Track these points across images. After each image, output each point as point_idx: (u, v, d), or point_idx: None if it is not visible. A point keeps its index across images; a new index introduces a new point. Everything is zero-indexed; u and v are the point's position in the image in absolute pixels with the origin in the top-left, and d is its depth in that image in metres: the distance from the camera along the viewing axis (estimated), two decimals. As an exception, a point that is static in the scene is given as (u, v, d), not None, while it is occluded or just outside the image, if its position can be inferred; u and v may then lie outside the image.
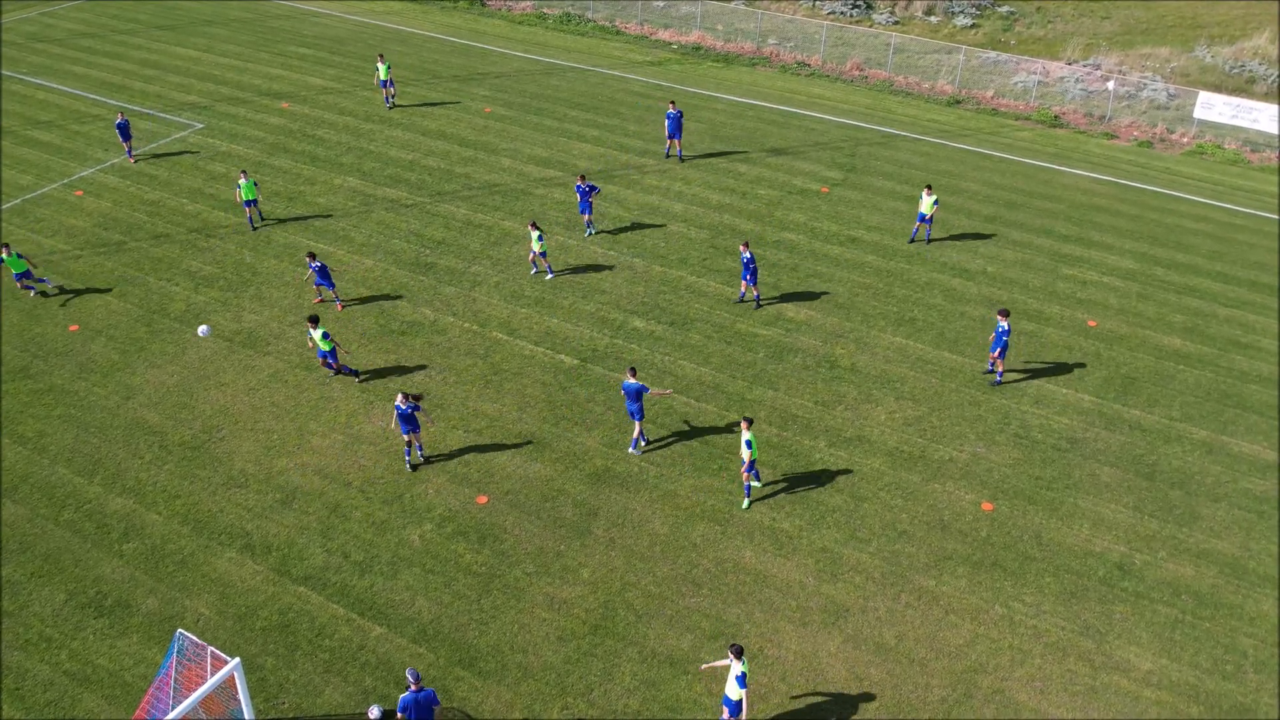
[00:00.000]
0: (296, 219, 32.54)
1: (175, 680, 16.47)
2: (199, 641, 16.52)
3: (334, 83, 42.85)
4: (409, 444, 22.68)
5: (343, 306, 28.22)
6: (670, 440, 23.77)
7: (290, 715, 17.71)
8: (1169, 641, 19.27)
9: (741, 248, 27.58)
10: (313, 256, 27.25)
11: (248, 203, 31.32)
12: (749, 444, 20.95)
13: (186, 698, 15.24)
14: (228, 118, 39.49)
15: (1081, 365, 26.55)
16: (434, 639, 19.05)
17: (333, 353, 25.02)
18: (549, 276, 29.51)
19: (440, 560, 20.68)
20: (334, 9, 52.87)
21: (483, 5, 54.16)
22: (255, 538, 21.16)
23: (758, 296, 28.53)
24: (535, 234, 28.62)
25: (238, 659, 15.54)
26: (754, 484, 22.35)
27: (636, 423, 23.09)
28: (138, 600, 19.75)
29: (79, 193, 33.97)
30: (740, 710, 16.51)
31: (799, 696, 18.14)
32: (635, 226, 32.38)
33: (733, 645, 16.45)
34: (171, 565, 20.53)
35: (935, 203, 30.55)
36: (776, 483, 22.63)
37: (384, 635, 19.10)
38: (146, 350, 26.55)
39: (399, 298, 28.72)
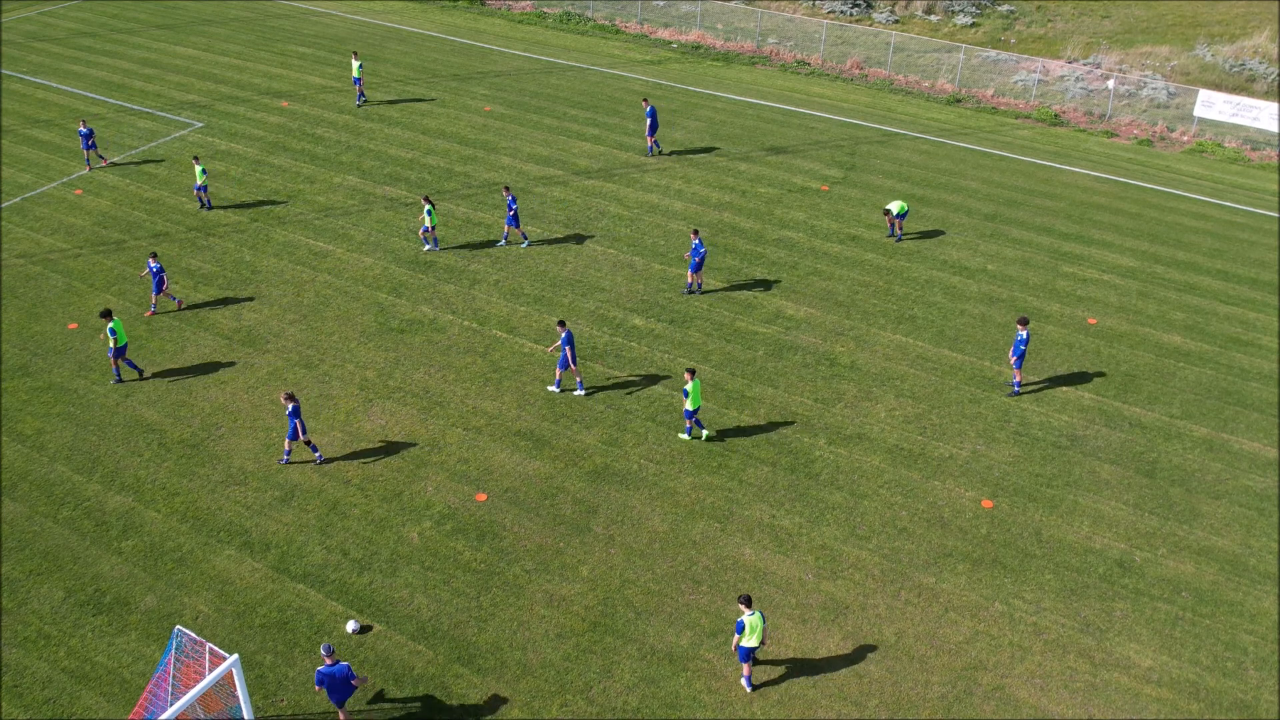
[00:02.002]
0: (297, 217, 32.55)
1: (174, 677, 16.45)
2: (197, 638, 16.50)
3: (334, 81, 42.84)
4: (308, 443, 22.52)
5: (152, 314, 27.71)
6: (669, 438, 23.75)
7: (289, 712, 17.68)
8: (1169, 638, 19.24)
9: (692, 235, 27.99)
10: (154, 257, 27.18)
11: (198, 187, 32.03)
12: (685, 392, 22.52)
13: (185, 694, 15.21)
14: (228, 116, 39.47)
15: (1081, 363, 26.52)
16: (433, 636, 19.02)
17: (124, 349, 24.84)
18: (427, 248, 30.69)
19: (439, 557, 20.65)
20: (334, 8, 52.86)
21: (482, 4, 54.15)
22: (254, 535, 21.14)
23: (699, 284, 28.86)
24: (427, 207, 29.61)
25: (236, 655, 15.51)
26: (698, 434, 23.62)
27: (572, 368, 24.56)
28: (136, 598, 19.73)
29: (78, 191, 33.96)
30: (738, 644, 17.53)
31: (799, 693, 18.11)
32: (635, 225, 32.36)
33: (741, 596, 17.17)
34: (170, 563, 20.50)
35: (903, 206, 31.01)
36: (776, 479, 22.62)
37: (383, 632, 19.07)
38: (146, 348, 26.52)
39: (398, 296, 28.71)
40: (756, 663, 18.46)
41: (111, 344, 24.57)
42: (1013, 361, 24.57)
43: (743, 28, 50.52)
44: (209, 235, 31.50)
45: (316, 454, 22.82)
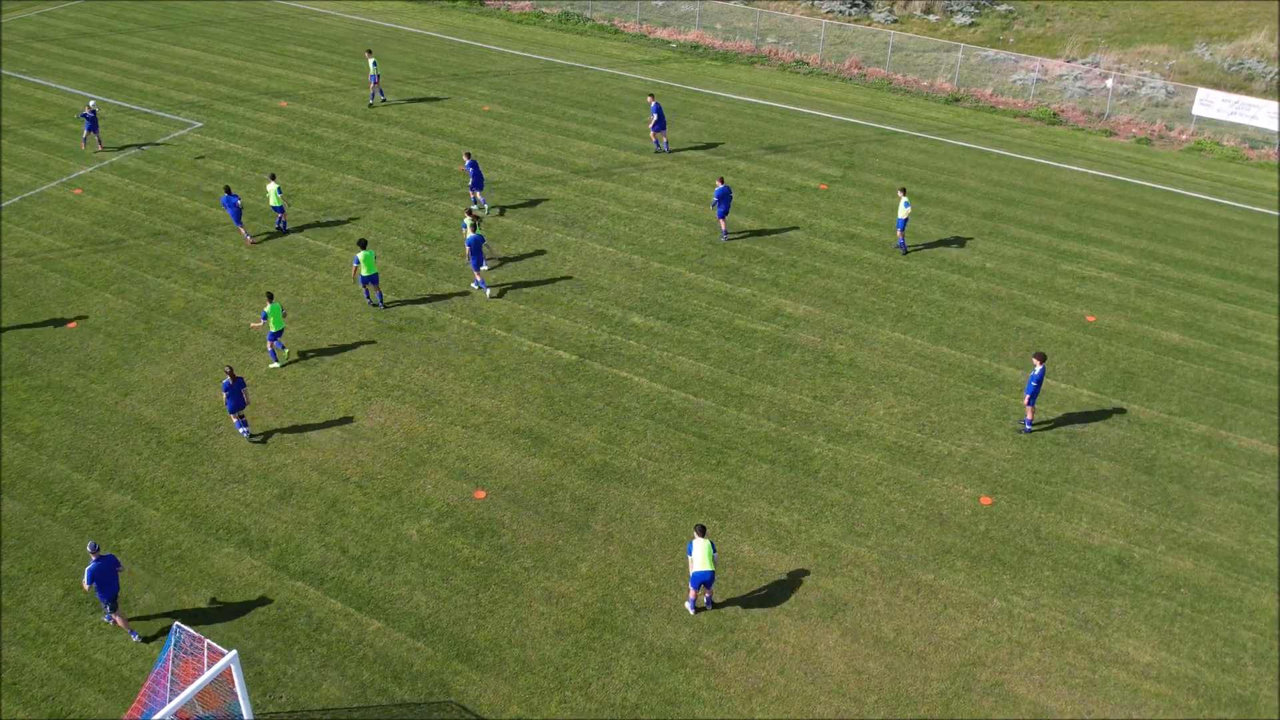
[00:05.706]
0: (296, 216, 32.54)
1: (172, 674, 16.46)
2: (196, 634, 16.50)
3: (333, 81, 42.86)
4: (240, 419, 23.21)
5: (251, 243, 30.80)
6: (669, 435, 23.75)
7: (288, 709, 17.69)
8: (1168, 634, 19.25)
9: (718, 181, 30.66)
10: (227, 190, 29.68)
11: (277, 208, 31.07)
12: (265, 315, 24.68)
13: (183, 690, 15.21)
14: (227, 116, 39.49)
15: (1080, 360, 26.54)
16: (432, 633, 19.03)
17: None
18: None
19: (438, 555, 20.66)
20: (333, 8, 52.87)
21: (481, 4, 54.17)
22: (253, 533, 21.15)
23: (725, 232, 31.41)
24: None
25: (234, 651, 15.50)
26: (277, 355, 25.65)
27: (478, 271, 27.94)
28: (135, 595, 19.73)
29: (78, 191, 33.97)
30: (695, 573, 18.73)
31: (797, 690, 18.12)
32: (634, 223, 32.37)
33: (697, 525, 18.78)
34: (169, 560, 20.51)
35: (907, 204, 29.73)
36: (775, 476, 22.62)
37: (382, 629, 19.08)
38: (144, 347, 26.54)
39: (397, 294, 28.71)
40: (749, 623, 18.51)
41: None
42: (1026, 400, 23.26)
43: (741, 27, 50.55)
44: (207, 234, 31.51)
45: (245, 429, 23.42)
